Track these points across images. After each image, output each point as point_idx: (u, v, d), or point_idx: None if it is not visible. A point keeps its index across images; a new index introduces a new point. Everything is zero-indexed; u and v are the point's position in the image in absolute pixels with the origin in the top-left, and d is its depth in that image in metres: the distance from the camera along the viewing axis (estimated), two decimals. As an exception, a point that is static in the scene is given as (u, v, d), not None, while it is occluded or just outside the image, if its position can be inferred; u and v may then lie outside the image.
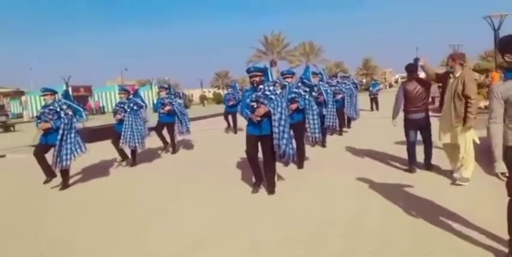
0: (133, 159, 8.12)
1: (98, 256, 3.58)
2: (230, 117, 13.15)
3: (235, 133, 12.86)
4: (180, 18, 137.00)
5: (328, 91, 8.21)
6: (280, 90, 4.91)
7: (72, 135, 6.34)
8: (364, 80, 41.13)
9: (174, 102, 9.12)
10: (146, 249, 3.59)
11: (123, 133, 7.69)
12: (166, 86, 9.51)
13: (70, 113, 6.43)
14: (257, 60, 44.43)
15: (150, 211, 4.80)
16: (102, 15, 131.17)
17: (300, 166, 6.44)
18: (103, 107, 43.75)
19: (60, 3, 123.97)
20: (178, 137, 9.95)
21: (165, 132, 9.49)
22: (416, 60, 5.32)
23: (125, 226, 4.28)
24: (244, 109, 5.00)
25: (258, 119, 4.80)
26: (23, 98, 36.16)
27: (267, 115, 4.80)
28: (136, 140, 7.80)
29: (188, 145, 10.50)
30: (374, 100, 18.99)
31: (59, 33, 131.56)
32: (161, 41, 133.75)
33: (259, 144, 5.02)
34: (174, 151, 9.45)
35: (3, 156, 10.97)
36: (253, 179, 5.35)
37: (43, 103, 6.77)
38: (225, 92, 12.70)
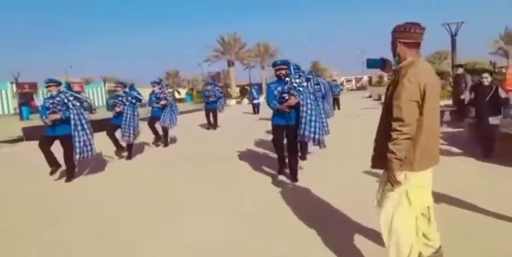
0: (129, 152, 8.13)
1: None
2: (211, 114, 13.24)
3: (215, 128, 13.10)
4: (125, 17, 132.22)
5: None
6: (305, 83, 5.30)
7: (86, 126, 6.29)
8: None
9: (168, 97, 9.23)
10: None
11: (122, 126, 7.70)
12: (158, 81, 9.56)
13: (78, 104, 6.39)
14: (215, 60, 44.54)
15: (154, 206, 5.00)
16: (47, 13, 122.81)
17: (303, 157, 6.92)
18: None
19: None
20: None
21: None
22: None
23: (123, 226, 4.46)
24: (272, 101, 5.31)
25: (288, 110, 5.16)
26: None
27: (296, 106, 5.17)
28: (131, 133, 7.83)
29: (174, 139, 10.56)
30: (336, 101, 20.00)
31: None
32: (108, 39, 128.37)
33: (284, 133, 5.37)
34: (167, 144, 9.57)
35: None
36: (278, 167, 5.69)
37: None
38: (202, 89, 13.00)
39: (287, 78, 5.27)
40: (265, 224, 3.89)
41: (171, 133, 10.13)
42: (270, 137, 10.39)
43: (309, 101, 5.12)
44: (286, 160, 5.54)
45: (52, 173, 6.30)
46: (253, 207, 4.45)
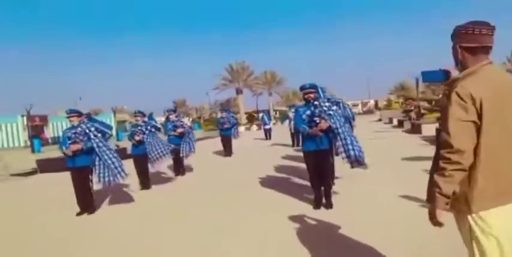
0: (147, 181, 7.92)
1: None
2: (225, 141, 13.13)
3: (230, 155, 12.92)
4: (132, 47, 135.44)
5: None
6: (335, 106, 5.16)
7: (109, 156, 6.14)
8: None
9: (185, 125, 9.14)
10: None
11: (149, 154, 7.58)
12: (173, 109, 9.51)
13: (99, 135, 6.29)
14: (223, 88, 45.10)
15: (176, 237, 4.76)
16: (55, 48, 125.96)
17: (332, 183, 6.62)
18: (58, 137, 41.75)
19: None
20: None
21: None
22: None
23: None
24: (301, 125, 5.15)
25: (320, 133, 4.99)
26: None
27: (327, 130, 5.01)
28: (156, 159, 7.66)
29: (191, 168, 10.34)
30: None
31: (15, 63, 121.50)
32: (116, 70, 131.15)
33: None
34: (184, 173, 9.36)
35: None
36: (314, 196, 5.36)
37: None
38: (219, 115, 13.09)
39: (316, 102, 5.14)
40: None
41: (188, 161, 9.94)
42: (286, 162, 10.34)
43: (341, 123, 4.97)
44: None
45: (79, 214, 6.07)
46: (280, 238, 4.19)
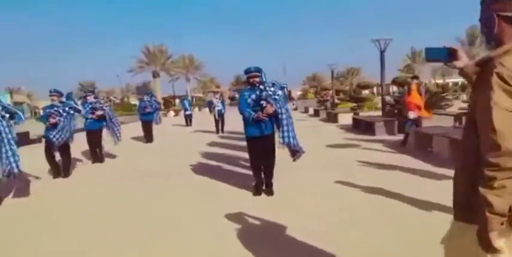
0: (66, 169, 7.13)
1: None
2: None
3: (151, 141, 12.28)
4: (36, 23, 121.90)
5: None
6: (280, 91, 5.04)
7: (13, 141, 5.35)
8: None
9: (104, 107, 8.35)
10: None
11: (55, 137, 6.78)
12: (92, 90, 8.65)
13: (7, 115, 5.44)
14: (140, 71, 42.66)
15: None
16: None
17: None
18: None
19: None
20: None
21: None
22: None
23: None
24: (247, 109, 4.97)
25: (266, 118, 4.87)
26: None
27: (272, 115, 4.91)
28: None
29: (111, 155, 9.57)
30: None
31: None
32: (14, 45, 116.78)
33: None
34: (102, 160, 8.65)
35: None
36: (255, 182, 5.29)
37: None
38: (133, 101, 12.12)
39: (261, 86, 4.98)
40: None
41: (106, 147, 9.17)
42: (213, 149, 10.12)
43: (284, 110, 4.93)
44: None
45: None
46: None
